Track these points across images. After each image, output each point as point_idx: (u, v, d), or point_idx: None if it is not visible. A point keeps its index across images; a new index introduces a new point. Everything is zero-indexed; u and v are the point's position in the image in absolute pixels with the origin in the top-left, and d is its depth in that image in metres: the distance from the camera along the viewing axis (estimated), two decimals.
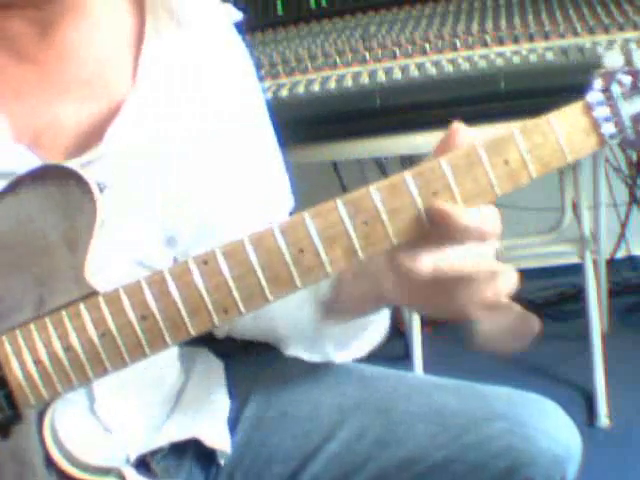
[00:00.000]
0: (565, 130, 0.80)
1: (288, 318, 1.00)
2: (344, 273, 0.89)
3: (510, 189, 0.80)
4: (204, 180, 0.98)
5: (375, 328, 1.00)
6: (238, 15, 1.04)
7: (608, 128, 0.80)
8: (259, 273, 0.79)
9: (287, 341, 1.04)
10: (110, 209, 0.85)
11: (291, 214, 0.93)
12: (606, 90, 0.81)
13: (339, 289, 0.94)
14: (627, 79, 0.81)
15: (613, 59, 0.82)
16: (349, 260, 0.79)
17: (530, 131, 0.79)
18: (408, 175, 0.79)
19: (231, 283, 0.79)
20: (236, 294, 0.80)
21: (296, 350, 1.04)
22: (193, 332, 0.81)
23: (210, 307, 0.80)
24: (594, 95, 0.81)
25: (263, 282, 0.79)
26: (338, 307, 0.95)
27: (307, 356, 1.04)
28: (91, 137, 0.92)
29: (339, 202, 0.79)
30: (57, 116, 0.92)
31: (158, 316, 0.80)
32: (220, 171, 0.99)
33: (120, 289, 0.80)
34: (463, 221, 0.77)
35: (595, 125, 0.80)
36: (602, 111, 0.80)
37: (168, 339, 0.81)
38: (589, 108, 0.80)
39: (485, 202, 0.79)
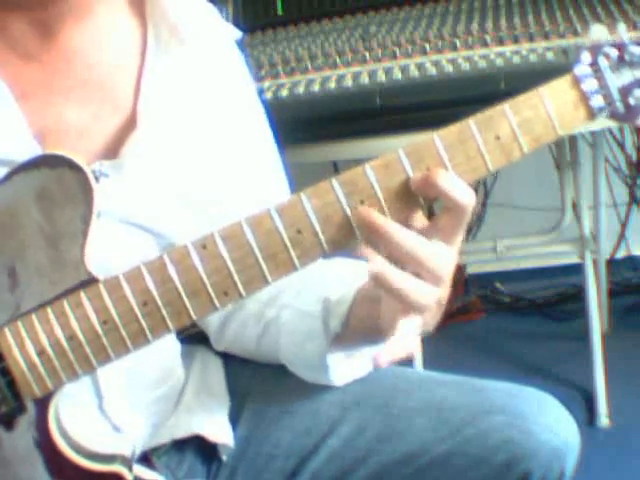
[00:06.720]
0: (554, 104, 0.80)
1: (295, 347, 1.01)
2: (356, 310, 0.92)
3: (503, 164, 0.80)
4: (211, 182, 1.00)
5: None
6: (238, 34, 1.06)
7: (597, 101, 0.80)
8: (258, 255, 0.79)
9: (288, 364, 1.05)
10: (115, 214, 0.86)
11: None
12: (593, 63, 0.80)
13: (348, 324, 0.94)
14: (614, 52, 0.81)
15: (599, 33, 0.82)
16: (346, 239, 0.79)
17: (520, 106, 0.79)
18: (402, 152, 0.79)
19: (230, 266, 0.80)
20: (236, 277, 0.80)
21: (297, 370, 1.05)
22: (194, 316, 0.81)
23: (210, 290, 0.80)
24: (582, 68, 0.80)
25: (262, 264, 0.80)
26: (345, 340, 0.96)
27: (307, 376, 1.04)
28: (95, 141, 0.93)
29: (335, 182, 0.79)
30: (60, 117, 0.92)
31: (159, 301, 0.80)
32: (225, 175, 1.01)
33: (120, 276, 0.80)
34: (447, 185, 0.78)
35: (584, 98, 0.80)
36: (590, 84, 0.80)
37: (170, 324, 0.81)
38: (577, 81, 0.80)
39: (478, 177, 0.80)
